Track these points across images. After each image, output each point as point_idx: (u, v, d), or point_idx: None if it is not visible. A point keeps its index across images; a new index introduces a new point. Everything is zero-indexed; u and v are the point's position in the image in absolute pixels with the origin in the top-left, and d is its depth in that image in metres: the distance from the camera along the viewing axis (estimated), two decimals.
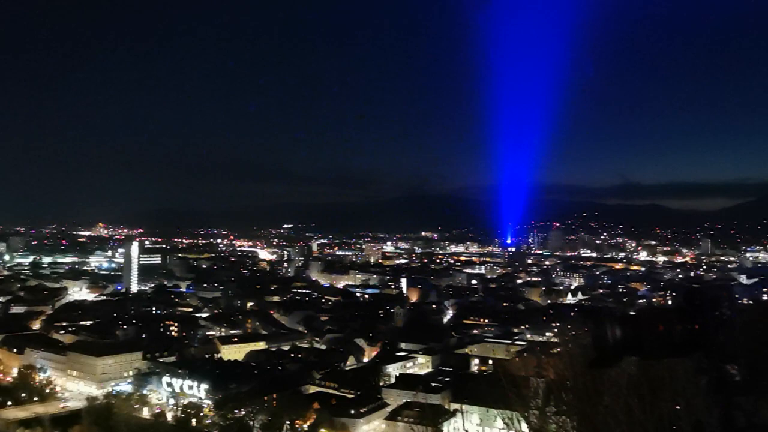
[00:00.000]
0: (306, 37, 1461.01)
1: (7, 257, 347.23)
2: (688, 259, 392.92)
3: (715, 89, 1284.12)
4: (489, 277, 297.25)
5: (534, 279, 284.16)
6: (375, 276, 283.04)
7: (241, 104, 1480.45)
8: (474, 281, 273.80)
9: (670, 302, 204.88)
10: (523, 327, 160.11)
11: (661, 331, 4.97)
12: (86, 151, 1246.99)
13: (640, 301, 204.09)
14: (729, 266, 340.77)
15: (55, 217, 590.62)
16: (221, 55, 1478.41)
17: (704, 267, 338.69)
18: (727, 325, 4.93)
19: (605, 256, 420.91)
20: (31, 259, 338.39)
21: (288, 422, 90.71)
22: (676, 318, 4.95)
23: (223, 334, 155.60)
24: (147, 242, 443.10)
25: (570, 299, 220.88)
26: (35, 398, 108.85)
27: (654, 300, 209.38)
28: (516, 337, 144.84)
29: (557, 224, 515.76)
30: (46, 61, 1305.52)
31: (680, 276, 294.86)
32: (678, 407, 7.90)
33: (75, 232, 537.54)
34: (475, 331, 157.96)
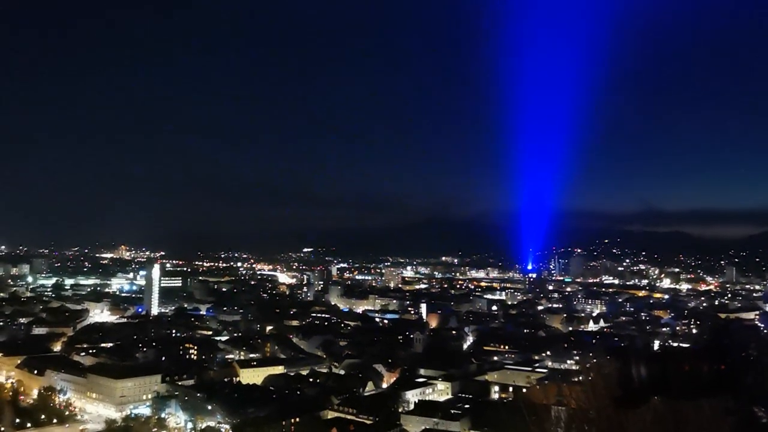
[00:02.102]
0: (329, 64, 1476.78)
1: (30, 279, 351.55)
2: (712, 287, 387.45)
3: (740, 115, 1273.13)
4: (510, 303, 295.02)
5: (555, 306, 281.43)
6: (395, 301, 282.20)
7: (263, 127, 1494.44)
8: (494, 307, 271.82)
9: (694, 331, 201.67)
10: (544, 354, 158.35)
11: (688, 370, 4.86)
12: (110, 173, 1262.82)
13: (664, 329, 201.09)
14: (754, 294, 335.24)
15: (79, 239, 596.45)
16: (244, 78, 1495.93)
17: (729, 295, 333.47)
18: (755, 366, 4.82)
19: (628, 283, 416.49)
20: (53, 280, 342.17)
21: None
22: (703, 357, 4.85)
23: (242, 357, 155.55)
24: (168, 265, 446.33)
25: (592, 326, 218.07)
26: (55, 420, 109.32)
27: (678, 328, 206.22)
28: (537, 365, 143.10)
29: (579, 250, 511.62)
30: (69, 83, 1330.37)
31: (704, 304, 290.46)
32: None
33: (98, 255, 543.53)
34: (495, 358, 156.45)
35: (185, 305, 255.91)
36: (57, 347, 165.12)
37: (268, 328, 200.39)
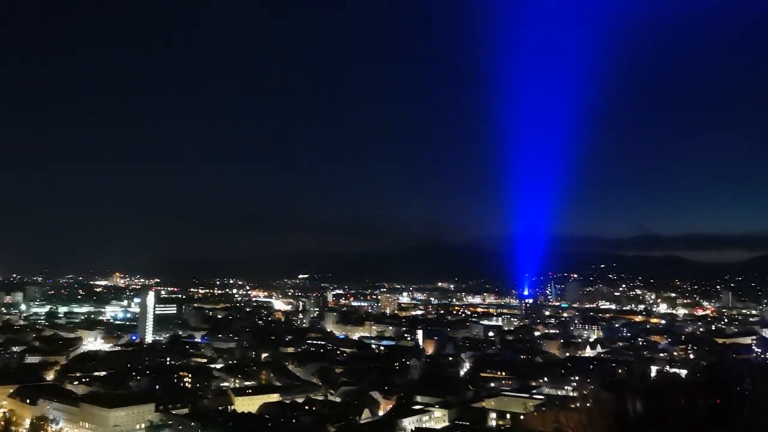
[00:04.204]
0: (323, 87, 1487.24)
1: (23, 307, 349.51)
2: (708, 311, 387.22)
3: (735, 139, 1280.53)
4: (506, 329, 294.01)
5: (552, 331, 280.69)
6: (391, 327, 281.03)
7: (257, 154, 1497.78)
8: (491, 333, 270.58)
9: (691, 356, 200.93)
10: (541, 380, 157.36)
11: (684, 405, 4.83)
12: (103, 201, 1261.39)
13: (661, 354, 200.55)
14: (750, 319, 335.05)
15: (73, 266, 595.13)
16: (236, 103, 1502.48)
17: (725, 320, 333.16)
18: (750, 400, 4.79)
19: (624, 308, 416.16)
20: (47, 308, 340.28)
21: None
22: (699, 392, 4.82)
23: (237, 385, 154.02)
24: (163, 292, 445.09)
25: (589, 352, 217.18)
26: None
27: (675, 353, 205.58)
28: (534, 391, 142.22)
29: (575, 275, 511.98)
30: (62, 107, 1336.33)
31: (701, 329, 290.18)
32: None
33: (92, 282, 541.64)
34: (492, 385, 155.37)
35: (180, 333, 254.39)
36: (50, 376, 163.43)
37: (264, 355, 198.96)
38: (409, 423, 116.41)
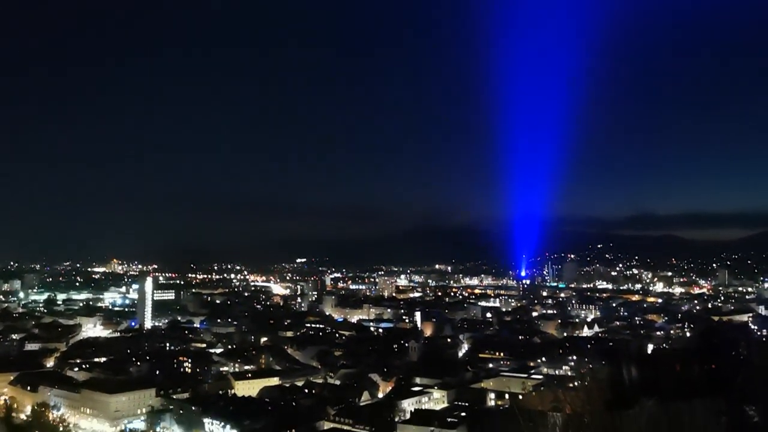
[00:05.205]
0: (319, 72, 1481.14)
1: (22, 294, 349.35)
2: (705, 290, 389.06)
3: (731, 117, 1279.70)
4: (504, 310, 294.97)
5: (549, 312, 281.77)
6: (389, 310, 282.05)
7: (254, 139, 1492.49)
8: (489, 314, 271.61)
9: (688, 334, 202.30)
10: (539, 360, 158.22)
11: (679, 371, 4.91)
12: (100, 187, 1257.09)
13: (658, 333, 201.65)
14: (747, 297, 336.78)
15: (70, 253, 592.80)
16: (231, 89, 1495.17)
17: (722, 298, 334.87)
18: (745, 366, 4.87)
19: (621, 287, 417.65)
20: (46, 296, 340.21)
21: None
22: (693, 358, 4.89)
23: (236, 369, 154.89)
24: (161, 278, 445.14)
25: (586, 332, 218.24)
26: None
27: (672, 332, 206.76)
28: (532, 371, 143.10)
29: (572, 256, 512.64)
30: (61, 94, 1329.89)
31: (698, 307, 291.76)
32: None
33: (90, 269, 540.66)
34: (490, 365, 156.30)
35: (179, 318, 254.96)
36: (50, 363, 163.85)
37: (263, 339, 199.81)
38: (408, 404, 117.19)
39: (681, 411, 7.75)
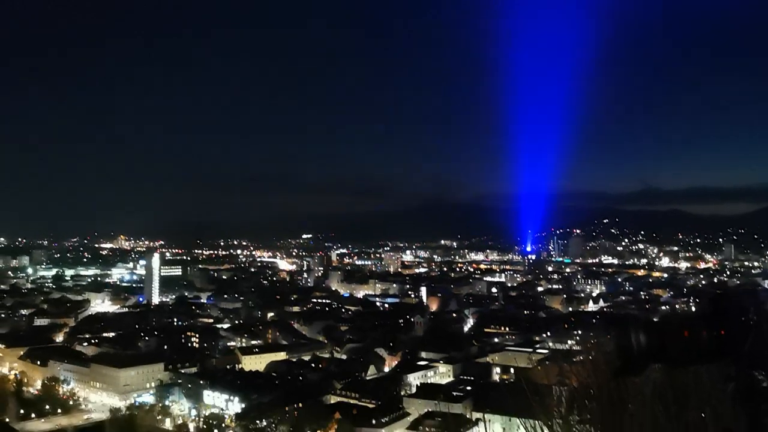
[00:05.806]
0: (323, 49, 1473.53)
1: (30, 270, 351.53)
2: (711, 264, 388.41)
3: (736, 91, 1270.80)
4: (509, 285, 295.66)
5: (555, 287, 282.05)
6: (395, 285, 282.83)
7: (259, 116, 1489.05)
8: (494, 289, 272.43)
9: (693, 308, 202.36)
10: (544, 335, 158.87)
11: (687, 337, 4.88)
12: (107, 163, 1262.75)
13: (664, 307, 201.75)
14: (753, 271, 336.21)
15: (78, 230, 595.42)
16: (239, 70, 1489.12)
17: (728, 272, 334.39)
18: (754, 331, 4.84)
19: (627, 262, 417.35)
20: (54, 272, 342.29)
21: None
22: (701, 324, 4.86)
23: (243, 344, 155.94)
24: (168, 254, 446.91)
25: (592, 307, 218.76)
26: (59, 410, 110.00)
27: (677, 306, 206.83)
28: (537, 346, 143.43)
29: (577, 231, 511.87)
30: (69, 72, 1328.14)
31: (704, 282, 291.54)
32: (704, 415, 7.75)
33: (97, 245, 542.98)
34: (496, 340, 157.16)
35: (186, 294, 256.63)
36: (59, 338, 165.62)
37: (269, 314, 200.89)
38: (414, 378, 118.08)
39: (688, 378, 7.73)
